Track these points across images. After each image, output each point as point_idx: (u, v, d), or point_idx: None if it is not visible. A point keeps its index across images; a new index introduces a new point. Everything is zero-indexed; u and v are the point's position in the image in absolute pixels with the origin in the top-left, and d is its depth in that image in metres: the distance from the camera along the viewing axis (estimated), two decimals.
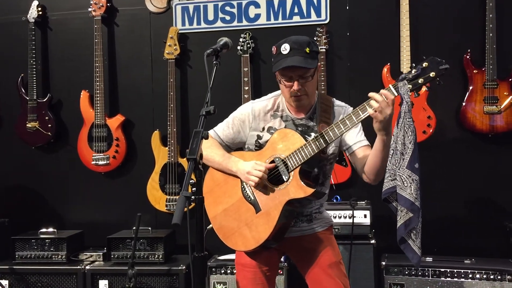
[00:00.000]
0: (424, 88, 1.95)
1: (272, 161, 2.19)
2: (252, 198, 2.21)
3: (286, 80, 2.15)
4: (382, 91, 1.95)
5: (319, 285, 2.25)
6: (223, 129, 2.34)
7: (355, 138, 2.20)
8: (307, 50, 2.10)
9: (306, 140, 2.12)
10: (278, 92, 2.30)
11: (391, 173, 2.03)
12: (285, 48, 2.10)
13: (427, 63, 1.94)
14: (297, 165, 2.11)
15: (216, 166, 2.32)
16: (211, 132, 2.37)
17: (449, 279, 3.08)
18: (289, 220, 2.22)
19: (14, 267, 3.54)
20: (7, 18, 4.10)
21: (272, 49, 2.17)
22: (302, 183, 2.10)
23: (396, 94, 1.94)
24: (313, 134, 2.20)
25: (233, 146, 2.36)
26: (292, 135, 2.16)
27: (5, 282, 3.51)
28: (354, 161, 2.22)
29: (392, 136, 1.98)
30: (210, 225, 2.34)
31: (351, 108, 2.25)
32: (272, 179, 2.18)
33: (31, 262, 3.57)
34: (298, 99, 2.17)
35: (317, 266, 2.26)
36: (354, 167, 2.24)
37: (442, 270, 3.09)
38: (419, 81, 1.93)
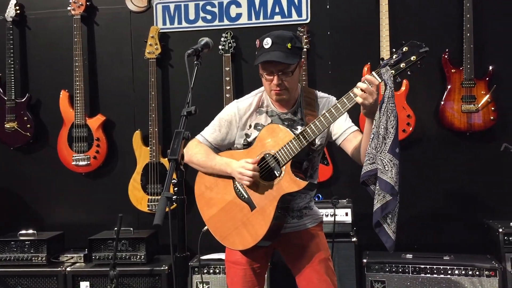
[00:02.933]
0: (408, 72, 1.99)
1: (263, 158, 2.19)
2: (246, 196, 2.22)
3: (267, 74, 2.17)
4: (366, 76, 1.98)
5: (308, 281, 2.28)
6: (211, 133, 2.35)
7: (344, 125, 2.23)
8: (289, 45, 2.11)
9: (294, 133, 2.14)
10: (262, 88, 2.32)
11: (371, 157, 2.04)
12: (267, 42, 2.12)
13: (407, 48, 1.96)
14: (288, 159, 2.13)
15: (206, 170, 2.32)
16: (198, 137, 2.37)
17: (428, 275, 3.12)
18: (284, 215, 2.24)
19: None
20: None
21: (256, 42, 2.19)
22: (295, 177, 2.12)
23: (379, 80, 1.98)
24: (299, 127, 2.22)
25: (223, 148, 2.37)
26: (280, 130, 2.18)
27: None
28: (346, 147, 2.24)
29: (374, 121, 2.02)
30: (206, 227, 2.34)
31: (334, 98, 2.29)
32: (264, 175, 2.19)
33: (11, 264, 3.51)
34: (277, 93, 2.19)
35: (306, 262, 2.28)
36: (348, 153, 2.26)
37: (422, 266, 3.14)
38: (401, 66, 1.97)
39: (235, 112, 2.30)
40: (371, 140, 2.03)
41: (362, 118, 3.32)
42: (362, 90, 1.97)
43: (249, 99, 2.32)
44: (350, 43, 3.69)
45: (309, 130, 2.10)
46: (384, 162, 2.01)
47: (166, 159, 3.69)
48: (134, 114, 3.91)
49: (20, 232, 3.62)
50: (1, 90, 3.91)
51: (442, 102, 3.49)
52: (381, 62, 2.03)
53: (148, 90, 3.69)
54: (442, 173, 3.61)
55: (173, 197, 1.63)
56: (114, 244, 3.27)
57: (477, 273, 3.07)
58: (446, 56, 3.47)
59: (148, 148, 3.71)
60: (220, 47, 3.64)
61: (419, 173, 3.57)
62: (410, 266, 3.15)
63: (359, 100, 1.98)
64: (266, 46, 2.12)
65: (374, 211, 2.06)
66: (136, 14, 3.90)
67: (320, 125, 2.09)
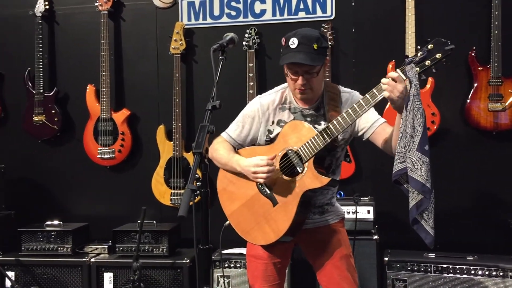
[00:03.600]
0: (433, 70, 1.98)
1: (285, 154, 2.20)
2: (268, 192, 2.23)
3: (292, 74, 2.17)
4: (389, 74, 1.97)
5: (329, 277, 2.29)
6: (234, 129, 2.37)
7: (371, 118, 2.22)
8: (315, 46, 2.10)
9: (317, 130, 2.14)
10: (285, 84, 2.32)
11: (400, 156, 2.04)
12: (293, 42, 2.11)
13: (432, 45, 1.95)
14: (310, 155, 2.13)
15: (224, 167, 2.35)
16: (223, 134, 2.39)
17: (451, 275, 3.09)
18: (306, 212, 2.25)
19: (20, 259, 3.57)
20: (15, 12, 4.12)
21: (282, 40, 2.18)
22: (318, 173, 2.12)
23: (404, 78, 1.96)
24: (322, 123, 2.22)
25: (246, 145, 2.38)
26: (303, 126, 2.18)
27: (11, 274, 3.54)
28: (376, 140, 2.21)
29: (401, 119, 2.01)
30: (228, 222, 2.37)
31: (358, 93, 2.28)
32: (286, 171, 2.20)
33: (37, 254, 3.59)
34: (302, 92, 2.19)
35: (328, 258, 2.29)
36: (378, 146, 2.23)
37: (445, 266, 3.11)
38: (426, 63, 1.95)
39: (258, 107, 2.32)
40: (399, 139, 2.02)
41: (385, 115, 3.29)
42: (387, 84, 1.96)
43: (272, 95, 2.33)
44: (374, 40, 3.67)
45: (332, 127, 2.10)
46: (413, 160, 2.00)
47: (189, 153, 3.73)
48: (158, 109, 3.95)
49: (47, 222, 3.70)
50: (30, 84, 4.00)
51: (468, 101, 3.44)
52: (405, 59, 2.02)
53: (173, 86, 3.73)
54: (467, 172, 3.56)
55: (197, 190, 1.66)
56: (137, 237, 3.32)
57: (501, 274, 3.03)
58: (473, 54, 3.42)
59: (172, 142, 3.75)
60: (244, 43, 3.65)
61: (444, 172, 3.52)
62: (432, 265, 3.12)
63: (386, 94, 1.97)
64: (292, 46, 2.10)
65: (410, 209, 2.05)
66: (162, 10, 3.94)
67: (344, 122, 2.09)
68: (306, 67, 2.12)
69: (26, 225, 3.74)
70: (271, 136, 2.29)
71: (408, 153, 2.01)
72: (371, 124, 2.21)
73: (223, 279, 3.33)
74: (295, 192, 2.16)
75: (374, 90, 2.03)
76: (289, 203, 2.17)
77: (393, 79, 1.95)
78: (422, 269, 3.14)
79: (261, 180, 2.17)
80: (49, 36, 4.08)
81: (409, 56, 2.02)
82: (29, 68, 4.01)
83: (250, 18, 3.82)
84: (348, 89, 2.33)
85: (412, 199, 2.04)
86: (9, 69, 4.14)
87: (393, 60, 3.49)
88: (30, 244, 3.62)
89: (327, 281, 2.30)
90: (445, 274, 3.10)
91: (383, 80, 1.98)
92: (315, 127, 2.18)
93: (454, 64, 3.47)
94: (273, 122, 2.30)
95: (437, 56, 1.94)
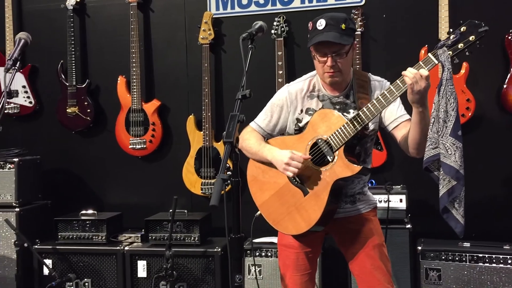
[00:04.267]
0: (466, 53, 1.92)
1: (315, 143, 2.19)
2: (299, 181, 2.22)
3: (320, 56, 2.14)
4: (420, 63, 1.94)
5: (361, 266, 2.27)
6: (263, 119, 2.36)
7: (395, 113, 2.20)
8: (343, 26, 2.08)
9: (347, 118, 2.12)
10: (313, 72, 2.30)
11: (432, 141, 2.00)
12: (321, 24, 2.09)
13: (465, 27, 1.91)
14: (341, 144, 2.11)
15: (253, 157, 2.35)
16: (252, 124, 2.39)
17: (487, 264, 3.02)
18: (338, 201, 2.23)
19: (57, 247, 3.67)
20: (47, 6, 4.19)
21: (309, 24, 2.17)
22: (349, 161, 2.10)
23: (436, 62, 1.93)
24: (351, 111, 2.20)
25: (275, 134, 2.37)
26: (332, 114, 2.16)
27: (48, 262, 3.65)
28: (397, 136, 2.21)
29: (433, 104, 1.97)
30: (259, 212, 2.37)
31: (388, 83, 2.24)
32: (316, 160, 2.19)
33: (73, 242, 3.68)
34: (331, 75, 2.16)
35: (360, 247, 2.27)
36: (398, 143, 2.22)
37: (480, 255, 3.04)
38: (459, 46, 1.91)
39: (286, 96, 2.31)
40: (431, 124, 1.99)
41: None
42: (412, 74, 1.93)
43: (300, 83, 2.31)
44: (406, 25, 3.58)
45: (362, 115, 2.07)
46: (446, 146, 1.96)
47: (219, 143, 3.75)
48: (188, 99, 3.97)
49: (82, 212, 3.79)
50: (63, 76, 4.08)
51: (505, 86, 3.34)
52: (438, 43, 1.97)
53: (202, 75, 3.74)
54: (504, 159, 3.46)
55: (228, 180, 1.66)
56: (169, 226, 3.37)
57: None
58: (509, 37, 3.31)
59: (202, 132, 3.77)
60: (272, 31, 3.62)
61: (479, 159, 3.43)
62: (467, 254, 3.06)
63: (408, 81, 1.93)
64: (320, 28, 2.09)
65: (440, 197, 2.01)
66: (190, 0, 3.95)
67: (374, 109, 2.05)
68: (334, 47, 2.09)
69: (62, 215, 3.82)
70: (300, 125, 2.28)
71: (441, 138, 1.97)
72: (394, 118, 2.19)
73: (254, 268, 3.35)
74: (326, 181, 2.14)
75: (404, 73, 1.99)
76: (320, 192, 2.15)
77: (422, 76, 1.91)
78: (457, 259, 3.08)
79: (290, 174, 2.16)
80: (80, 29, 4.14)
81: (441, 40, 1.97)
82: (61, 61, 4.08)
83: (278, 6, 3.78)
84: (379, 77, 2.29)
85: (443, 187, 2.01)
86: (43, 62, 4.22)
87: (426, 46, 3.40)
88: (66, 233, 3.71)
89: (360, 270, 2.29)
90: (480, 264, 3.04)
91: (410, 70, 1.94)
92: (344, 115, 2.16)
93: (490, 48, 3.36)
94: (301, 111, 2.28)
95: (470, 38, 1.90)
